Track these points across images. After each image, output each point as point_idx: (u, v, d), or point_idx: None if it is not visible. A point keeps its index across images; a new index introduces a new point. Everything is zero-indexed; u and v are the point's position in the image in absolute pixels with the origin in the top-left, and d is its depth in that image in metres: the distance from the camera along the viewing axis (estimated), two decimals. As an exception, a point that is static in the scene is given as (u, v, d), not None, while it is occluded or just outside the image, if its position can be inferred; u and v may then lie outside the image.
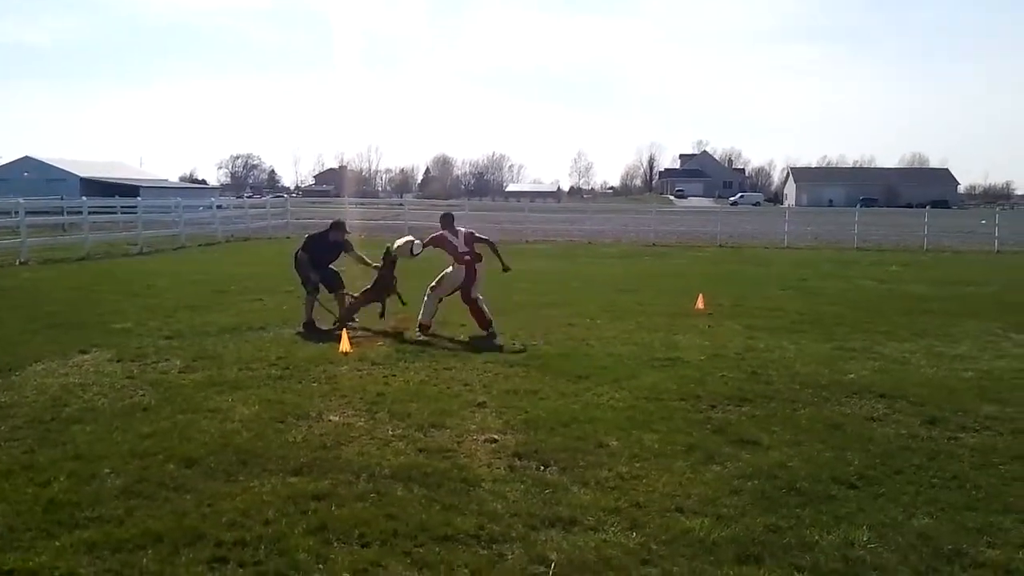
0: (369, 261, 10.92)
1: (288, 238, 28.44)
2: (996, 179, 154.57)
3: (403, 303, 10.62)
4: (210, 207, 34.32)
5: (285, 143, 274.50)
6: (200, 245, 25.81)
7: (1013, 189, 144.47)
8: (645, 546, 4.21)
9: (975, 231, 33.85)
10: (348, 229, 11.09)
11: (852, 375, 8.09)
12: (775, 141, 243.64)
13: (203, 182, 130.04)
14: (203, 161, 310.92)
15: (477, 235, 10.58)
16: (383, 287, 10.55)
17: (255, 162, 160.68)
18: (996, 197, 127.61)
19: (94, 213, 26.36)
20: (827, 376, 8.02)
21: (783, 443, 5.93)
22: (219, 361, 8.40)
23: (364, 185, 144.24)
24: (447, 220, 10.69)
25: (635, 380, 7.76)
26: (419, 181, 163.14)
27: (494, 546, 4.19)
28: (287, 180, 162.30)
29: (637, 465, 5.42)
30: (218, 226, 29.84)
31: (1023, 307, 13.38)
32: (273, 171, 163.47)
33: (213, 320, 10.90)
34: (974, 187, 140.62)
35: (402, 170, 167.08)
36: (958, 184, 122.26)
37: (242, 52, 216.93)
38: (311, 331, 10.18)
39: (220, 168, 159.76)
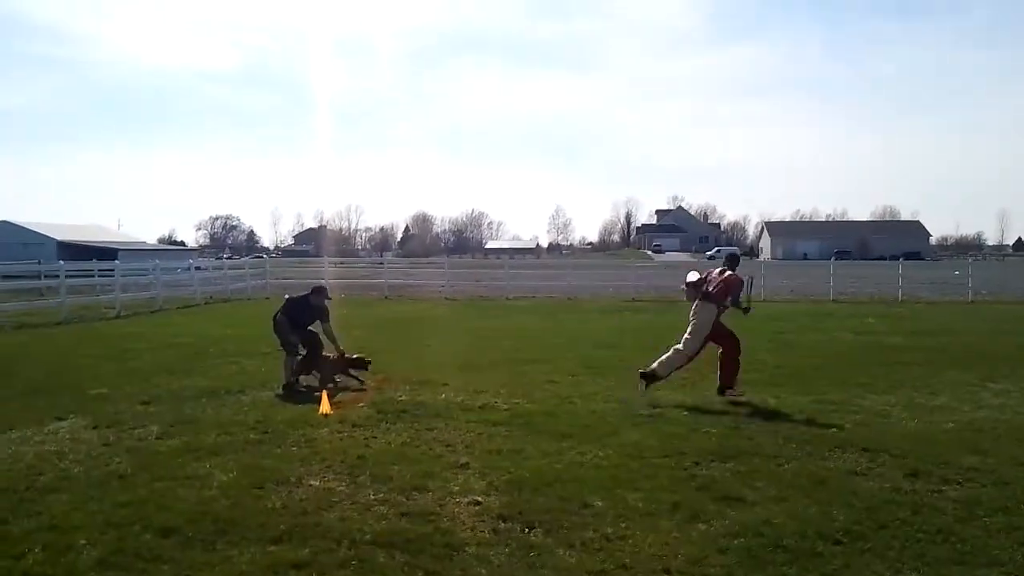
0: (336, 342, 10.74)
1: (267, 299, 28.31)
2: (967, 230, 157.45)
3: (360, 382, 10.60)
4: (188, 269, 34.17)
5: (264, 203, 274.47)
6: (178, 308, 25.62)
7: (984, 240, 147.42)
8: (633, 609, 4.16)
9: (948, 282, 34.35)
10: (329, 295, 11.10)
11: (834, 429, 8.11)
12: (749, 195, 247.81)
13: (182, 244, 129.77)
14: (182, 223, 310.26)
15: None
16: (328, 372, 10.56)
17: (234, 223, 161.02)
18: (967, 248, 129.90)
19: (71, 276, 26.15)
20: (809, 430, 8.03)
21: (768, 499, 5.92)
22: (197, 426, 8.29)
23: (344, 244, 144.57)
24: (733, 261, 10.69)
25: (618, 437, 7.74)
26: (399, 239, 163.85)
27: (479, 613, 4.12)
28: (266, 240, 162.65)
29: (622, 525, 5.38)
30: (196, 288, 29.64)
31: (999, 357, 13.54)
32: (252, 231, 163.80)
33: (191, 384, 10.78)
34: (946, 238, 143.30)
35: (382, 228, 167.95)
36: (930, 236, 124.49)
37: (218, 114, 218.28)
38: (291, 392, 10.10)
39: (199, 229, 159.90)
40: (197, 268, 34.90)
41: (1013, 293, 31.21)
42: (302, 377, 10.55)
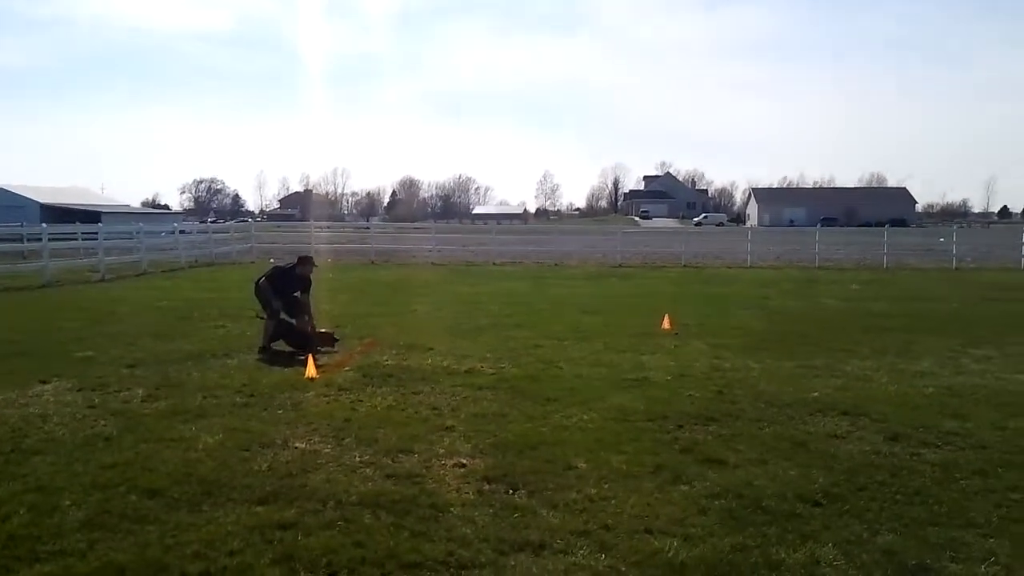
0: (311, 313, 10.78)
1: (252, 263, 28.21)
2: (953, 197, 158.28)
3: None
4: (173, 232, 33.91)
5: (249, 167, 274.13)
6: (163, 271, 25.46)
7: (970, 207, 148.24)
8: (614, 568, 4.22)
9: (933, 249, 34.60)
10: (316, 263, 11.06)
11: (816, 393, 8.20)
12: (737, 162, 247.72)
13: (166, 207, 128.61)
14: (166, 186, 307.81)
15: None
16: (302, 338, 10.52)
17: (218, 187, 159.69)
18: (953, 215, 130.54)
19: (55, 240, 25.90)
20: (791, 394, 8.11)
21: (749, 461, 5.99)
22: (182, 389, 8.29)
23: (330, 208, 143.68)
24: None
25: (603, 401, 7.79)
26: (385, 204, 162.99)
27: (463, 572, 4.17)
28: (251, 204, 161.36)
29: (606, 487, 5.44)
30: (181, 251, 29.48)
31: (981, 323, 13.69)
32: (237, 195, 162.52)
33: (176, 347, 10.75)
34: (932, 205, 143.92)
35: (368, 193, 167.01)
36: (916, 203, 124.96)
37: (204, 76, 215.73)
38: (268, 355, 10.13)
39: (183, 193, 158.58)
40: (181, 232, 34.68)
41: (997, 260, 31.47)
42: (274, 345, 10.52)
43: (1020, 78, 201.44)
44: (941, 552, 4.46)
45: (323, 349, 10.43)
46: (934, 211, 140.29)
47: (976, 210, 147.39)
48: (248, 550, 4.39)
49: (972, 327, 13.06)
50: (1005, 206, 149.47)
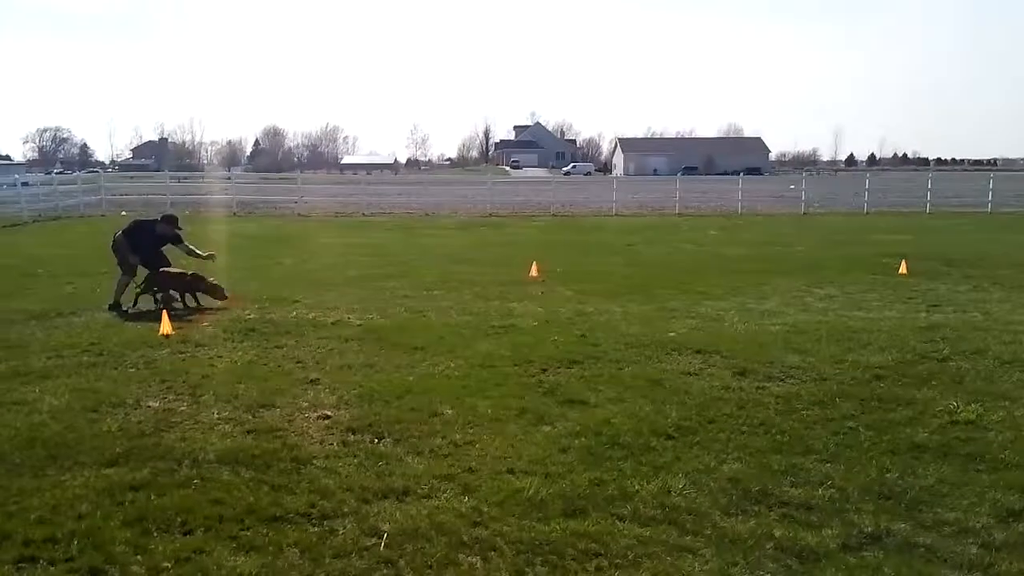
0: (200, 253, 10.51)
1: (103, 216, 26.62)
2: (804, 147, 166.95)
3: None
4: (15, 185, 31.42)
5: (98, 115, 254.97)
6: (3, 226, 23.59)
7: (819, 156, 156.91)
8: (477, 509, 4.31)
9: (784, 195, 36.62)
10: (180, 226, 10.57)
11: (672, 333, 8.56)
12: (604, 113, 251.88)
13: (7, 158, 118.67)
14: (6, 136, 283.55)
15: None
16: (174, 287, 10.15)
17: (65, 135, 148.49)
18: (804, 164, 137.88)
19: None
20: (650, 336, 8.44)
21: (608, 401, 6.21)
22: (25, 350, 7.77)
23: (187, 158, 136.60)
24: None
25: (470, 349, 7.86)
26: (248, 154, 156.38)
27: (325, 522, 4.15)
28: (101, 154, 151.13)
29: (471, 431, 5.52)
30: (24, 205, 27.38)
31: (825, 264, 14.62)
32: (86, 145, 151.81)
33: (18, 306, 10.04)
34: (784, 154, 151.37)
35: (229, 142, 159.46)
36: (770, 152, 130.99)
37: (46, 14, 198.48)
38: (118, 312, 9.69)
39: (26, 143, 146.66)
40: (24, 184, 32.22)
41: (843, 205, 33.64)
42: (141, 299, 10.03)
43: (865, 33, 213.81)
44: (782, 478, 4.77)
45: (199, 297, 10.11)
46: (786, 159, 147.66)
47: (825, 158, 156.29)
48: (97, 513, 4.21)
49: (817, 269, 13.94)
50: (851, 154, 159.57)
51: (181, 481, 4.64)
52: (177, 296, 10.13)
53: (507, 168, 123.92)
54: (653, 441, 5.34)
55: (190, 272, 10.32)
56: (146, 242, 10.31)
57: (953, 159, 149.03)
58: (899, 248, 16.23)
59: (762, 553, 3.87)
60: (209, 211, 29.38)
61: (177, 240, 10.43)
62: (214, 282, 10.21)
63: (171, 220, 10.53)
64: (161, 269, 10.22)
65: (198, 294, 10.14)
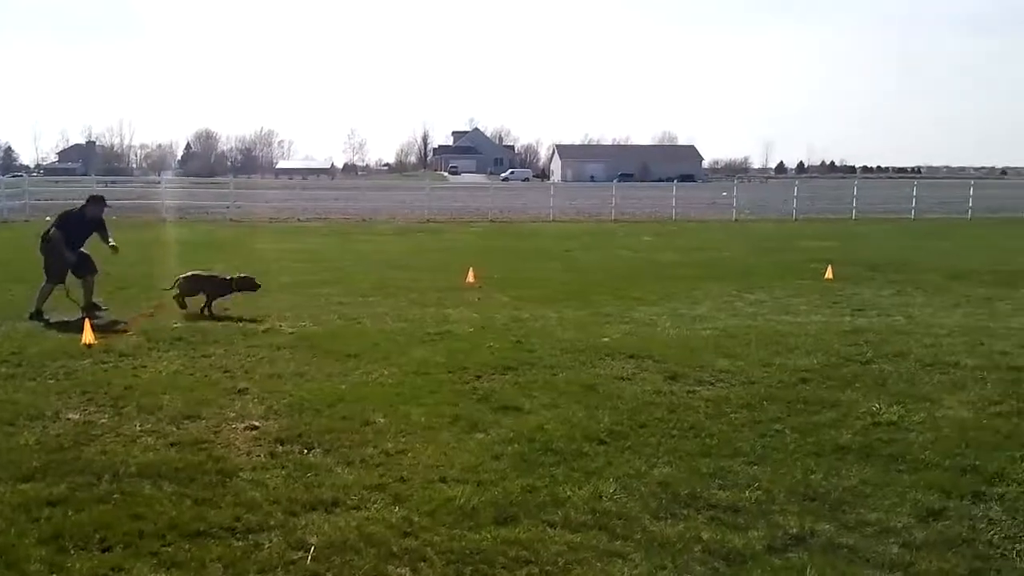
0: (111, 242, 10.18)
1: (26, 221, 25.62)
2: (736, 155, 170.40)
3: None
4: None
5: (22, 117, 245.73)
6: (-87, 232, 22.54)
7: (751, 163, 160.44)
8: (407, 519, 4.25)
9: (717, 202, 37.33)
10: (107, 204, 10.29)
11: (606, 339, 8.62)
12: (542, 121, 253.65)
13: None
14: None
15: None
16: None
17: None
18: (736, 171, 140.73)
19: None
20: (584, 341, 8.49)
21: (543, 406, 6.22)
22: (-65, 363, 7.42)
23: (116, 162, 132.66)
24: None
25: (405, 356, 7.79)
26: (179, 158, 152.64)
27: (250, 536, 4.04)
28: (26, 158, 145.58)
29: (403, 440, 5.46)
30: (-63, 210, 26.22)
31: (755, 270, 14.94)
32: (9, 148, 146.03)
33: (-72, 317, 9.58)
34: (717, 161, 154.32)
35: (159, 146, 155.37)
36: (703, 159, 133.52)
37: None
38: (39, 320, 9.35)
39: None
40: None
41: (773, 212, 34.49)
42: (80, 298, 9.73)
43: (793, 43, 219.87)
44: (711, 480, 4.83)
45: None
46: (719, 167, 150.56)
47: (756, 166, 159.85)
48: (11, 530, 4.04)
49: (748, 274, 14.23)
50: (781, 162, 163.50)
51: (100, 496, 4.47)
52: (106, 308, 9.82)
53: (445, 174, 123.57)
54: (586, 446, 5.36)
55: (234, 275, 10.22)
56: (78, 232, 9.99)
57: (879, 167, 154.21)
58: (826, 254, 16.68)
59: (690, 556, 3.91)
60: (138, 216, 28.53)
61: (104, 229, 10.15)
62: (244, 276, 10.26)
63: (99, 200, 10.21)
64: (91, 270, 9.92)
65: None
